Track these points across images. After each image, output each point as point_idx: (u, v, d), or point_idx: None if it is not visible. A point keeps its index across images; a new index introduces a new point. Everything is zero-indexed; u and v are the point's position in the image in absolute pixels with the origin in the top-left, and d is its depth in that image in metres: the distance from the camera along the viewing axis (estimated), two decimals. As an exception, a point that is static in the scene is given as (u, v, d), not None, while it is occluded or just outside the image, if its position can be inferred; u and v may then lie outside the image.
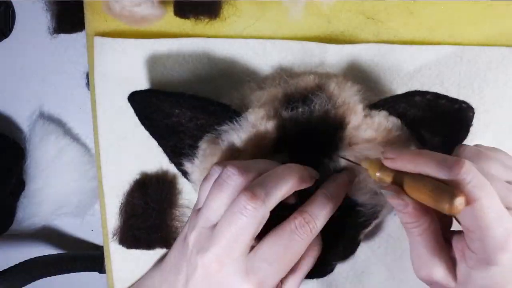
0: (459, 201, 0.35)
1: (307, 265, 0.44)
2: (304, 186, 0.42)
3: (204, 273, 0.41)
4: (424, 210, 0.40)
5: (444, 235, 0.42)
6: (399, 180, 0.40)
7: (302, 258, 0.43)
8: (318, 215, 0.42)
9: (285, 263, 0.41)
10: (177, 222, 0.52)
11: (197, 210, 0.43)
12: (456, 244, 0.41)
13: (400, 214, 0.40)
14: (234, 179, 0.40)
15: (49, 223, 1.33)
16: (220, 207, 0.41)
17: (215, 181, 0.42)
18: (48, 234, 1.35)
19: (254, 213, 0.39)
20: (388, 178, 0.41)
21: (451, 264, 0.41)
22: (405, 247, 0.52)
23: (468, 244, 0.38)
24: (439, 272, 0.40)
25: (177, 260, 0.44)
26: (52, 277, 1.11)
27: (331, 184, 0.44)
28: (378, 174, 0.41)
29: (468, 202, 0.36)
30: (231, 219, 0.39)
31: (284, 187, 0.41)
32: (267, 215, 0.40)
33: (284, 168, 0.42)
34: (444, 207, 0.35)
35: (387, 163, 0.41)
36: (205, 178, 0.44)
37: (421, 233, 0.40)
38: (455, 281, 0.40)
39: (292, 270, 0.43)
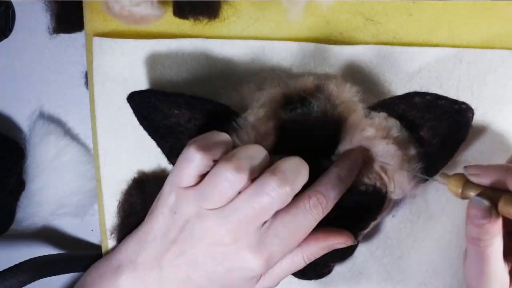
0: None
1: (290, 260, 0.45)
2: None
3: (211, 244, 0.41)
4: (499, 229, 0.39)
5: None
6: (487, 194, 0.39)
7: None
8: (330, 195, 0.43)
9: (295, 240, 0.42)
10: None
11: (184, 188, 0.43)
12: None
13: (473, 228, 0.40)
14: (237, 180, 0.41)
15: (49, 223, 1.33)
16: (228, 195, 0.41)
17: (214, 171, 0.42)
18: (48, 234, 1.35)
19: (281, 196, 0.40)
20: (474, 192, 0.40)
21: (509, 281, 0.41)
22: (403, 248, 0.52)
23: None
24: None
25: (166, 232, 0.44)
26: (52, 277, 1.11)
27: (344, 162, 0.44)
28: (464, 190, 0.40)
29: None
30: (255, 198, 0.40)
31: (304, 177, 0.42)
32: (291, 198, 0.41)
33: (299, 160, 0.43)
34: None
35: (473, 179, 0.40)
36: (188, 158, 0.43)
37: (489, 253, 0.40)
38: None
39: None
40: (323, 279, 0.51)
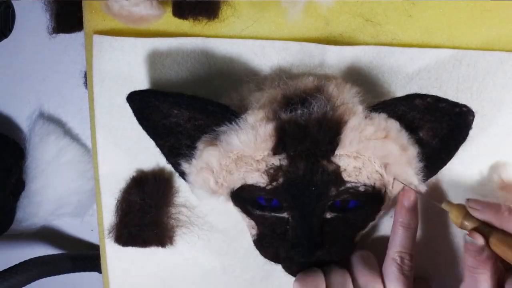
0: None
1: None
2: None
3: None
4: (494, 260, 0.42)
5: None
6: (483, 229, 0.43)
7: None
8: None
9: None
10: (173, 220, 0.53)
11: None
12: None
13: (469, 258, 0.43)
14: None
15: (49, 223, 1.33)
16: None
17: None
18: (48, 234, 1.35)
19: None
20: (471, 226, 0.43)
21: None
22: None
23: None
24: None
25: None
26: (52, 277, 1.11)
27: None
28: (466, 222, 0.44)
29: None
30: None
31: None
32: None
33: None
34: None
35: (473, 213, 0.43)
36: None
37: (482, 280, 0.43)
38: None
39: None
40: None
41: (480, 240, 0.42)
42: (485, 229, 0.42)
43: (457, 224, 0.44)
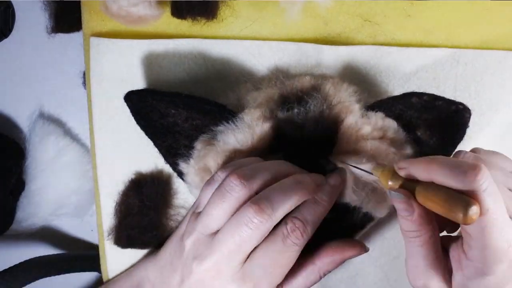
0: (474, 210, 0.33)
1: (304, 278, 0.45)
2: (310, 197, 0.42)
3: (200, 279, 0.42)
4: (428, 220, 0.39)
5: (441, 242, 0.41)
6: (410, 188, 0.39)
7: (299, 270, 0.44)
8: (308, 219, 0.42)
9: (280, 268, 0.42)
10: (172, 222, 0.52)
11: (196, 213, 0.44)
12: (453, 252, 0.40)
13: (403, 221, 0.39)
14: (237, 190, 0.41)
15: (49, 223, 1.33)
16: (222, 216, 0.41)
17: (217, 188, 0.42)
18: (48, 234, 1.35)
19: (260, 226, 0.40)
20: (397, 184, 0.40)
21: (448, 274, 0.40)
22: (400, 248, 0.52)
23: (466, 250, 0.37)
24: (435, 282, 0.40)
25: (173, 259, 0.45)
26: (52, 277, 1.11)
27: (322, 187, 0.44)
28: (390, 182, 0.40)
29: (481, 211, 0.34)
30: (235, 230, 0.40)
31: (291, 202, 0.41)
32: (271, 228, 0.40)
33: (292, 182, 0.42)
34: (458, 217, 0.34)
35: (401, 172, 0.40)
36: (207, 182, 0.44)
37: (421, 244, 0.39)
38: None
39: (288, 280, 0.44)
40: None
41: (403, 192, 0.38)
42: (411, 185, 0.39)
43: (386, 187, 0.41)
